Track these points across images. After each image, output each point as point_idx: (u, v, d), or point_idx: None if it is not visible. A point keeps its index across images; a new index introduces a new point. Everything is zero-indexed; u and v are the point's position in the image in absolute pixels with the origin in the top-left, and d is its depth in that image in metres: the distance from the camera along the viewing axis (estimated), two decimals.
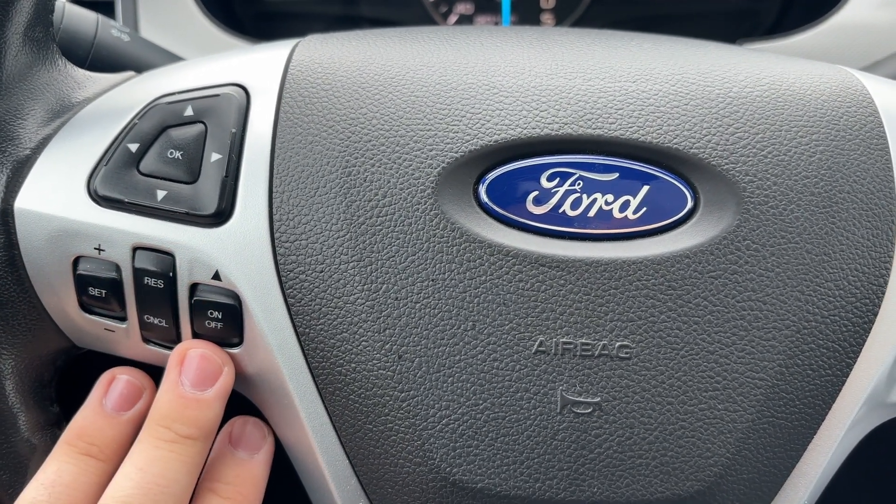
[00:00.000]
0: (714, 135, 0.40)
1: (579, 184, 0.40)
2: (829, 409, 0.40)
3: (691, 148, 0.40)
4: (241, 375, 0.43)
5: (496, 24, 0.93)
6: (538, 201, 0.40)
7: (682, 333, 0.39)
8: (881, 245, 0.40)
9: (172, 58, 0.60)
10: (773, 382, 0.39)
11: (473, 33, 0.47)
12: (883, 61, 0.62)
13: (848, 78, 0.44)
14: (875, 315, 0.40)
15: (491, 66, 0.43)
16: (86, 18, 0.55)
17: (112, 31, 0.56)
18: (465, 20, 0.93)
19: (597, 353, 0.39)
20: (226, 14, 0.90)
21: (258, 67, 0.44)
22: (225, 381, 0.42)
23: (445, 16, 0.93)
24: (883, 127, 0.42)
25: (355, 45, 0.45)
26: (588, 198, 0.40)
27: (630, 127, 0.40)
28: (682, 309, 0.39)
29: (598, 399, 0.39)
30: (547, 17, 0.93)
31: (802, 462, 0.41)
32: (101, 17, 0.56)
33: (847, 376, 0.40)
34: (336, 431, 0.41)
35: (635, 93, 0.41)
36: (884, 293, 0.40)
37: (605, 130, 0.40)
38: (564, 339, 0.39)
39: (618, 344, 0.39)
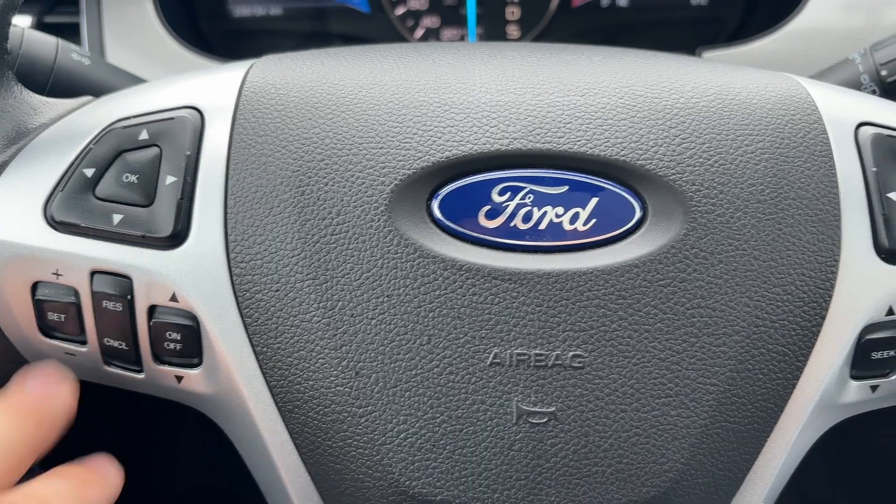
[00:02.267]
0: (661, 146, 0.41)
1: (530, 197, 0.41)
2: (782, 412, 0.41)
3: (638, 160, 0.41)
4: (202, 395, 0.43)
5: (462, 36, 0.94)
6: (490, 215, 0.40)
7: (634, 341, 0.39)
8: (827, 250, 0.41)
9: (134, 80, 0.60)
10: (724, 388, 0.40)
11: (426, 50, 0.47)
12: (836, 67, 0.63)
13: (793, 86, 0.45)
14: (823, 319, 0.41)
15: (443, 84, 0.43)
16: (45, 43, 0.55)
17: (72, 55, 0.56)
18: (431, 33, 0.94)
19: (550, 363, 0.39)
20: (193, 33, 0.91)
21: (213, 89, 0.44)
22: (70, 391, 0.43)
23: (412, 30, 0.93)
24: (826, 134, 0.43)
25: (310, 65, 0.45)
26: (539, 211, 0.40)
27: (578, 140, 0.41)
28: (632, 317, 0.40)
29: (553, 409, 0.39)
30: (513, 29, 0.94)
31: (757, 465, 0.42)
32: (60, 42, 0.56)
33: (797, 379, 0.41)
34: (297, 448, 0.41)
35: (584, 106, 0.42)
36: (831, 297, 0.41)
37: (554, 144, 0.41)
38: (518, 351, 0.39)
39: (571, 354, 0.39)
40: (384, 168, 0.40)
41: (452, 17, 0.94)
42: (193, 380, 0.42)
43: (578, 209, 0.41)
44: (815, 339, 0.41)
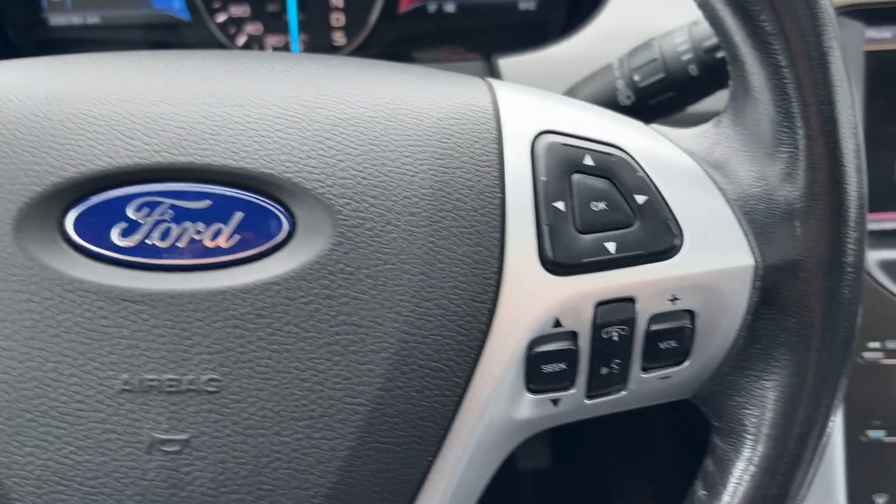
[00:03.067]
0: (312, 158, 0.39)
1: (169, 213, 0.39)
2: (448, 431, 0.40)
3: (286, 172, 0.39)
4: None
5: (286, 43, 0.92)
6: (125, 233, 0.38)
7: (273, 362, 0.38)
8: (487, 263, 0.40)
9: None
10: (373, 406, 0.38)
11: (118, 60, 0.45)
12: (597, 73, 0.62)
13: (480, 94, 0.43)
14: (485, 333, 0.40)
15: (99, 95, 0.41)
16: None
17: None
18: (254, 41, 0.92)
19: (184, 388, 0.37)
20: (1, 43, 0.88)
21: None
22: None
23: (234, 37, 0.91)
24: (499, 143, 0.41)
25: None
26: (178, 227, 0.39)
27: (223, 153, 0.39)
28: (272, 337, 0.38)
29: (187, 436, 0.38)
30: (338, 36, 0.92)
31: (427, 487, 0.40)
32: None
33: (461, 397, 0.40)
34: None
35: (238, 118, 0.40)
36: (493, 311, 0.40)
37: (197, 157, 0.39)
38: (149, 376, 0.37)
39: (205, 377, 0.38)
40: (13, 185, 0.38)
41: (275, 25, 0.92)
42: None
43: (221, 225, 0.39)
44: (478, 354, 0.40)
